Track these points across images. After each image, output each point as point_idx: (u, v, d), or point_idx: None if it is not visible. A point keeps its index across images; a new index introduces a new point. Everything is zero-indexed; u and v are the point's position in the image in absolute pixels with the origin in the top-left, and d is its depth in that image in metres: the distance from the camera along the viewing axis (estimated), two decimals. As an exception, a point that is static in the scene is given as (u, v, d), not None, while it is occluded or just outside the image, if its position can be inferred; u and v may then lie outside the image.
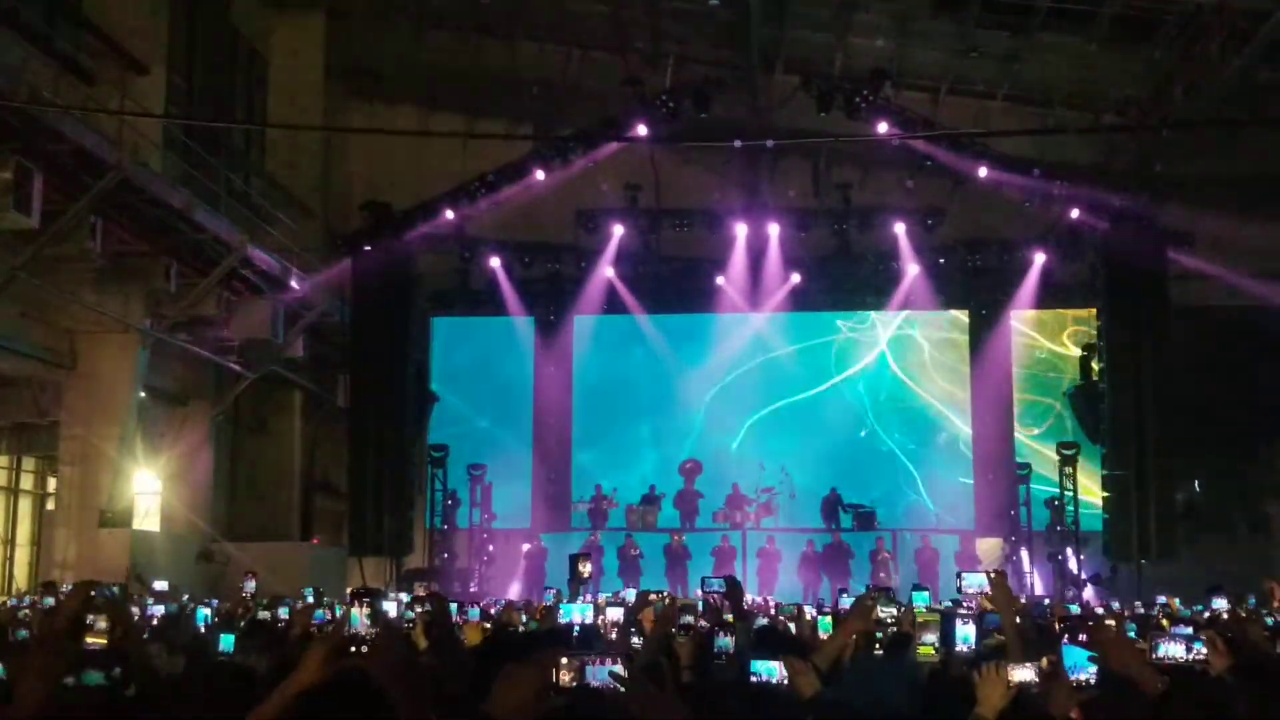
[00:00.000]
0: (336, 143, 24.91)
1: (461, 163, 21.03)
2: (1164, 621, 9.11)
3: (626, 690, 3.27)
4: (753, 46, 21.72)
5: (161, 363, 19.07)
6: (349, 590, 12.58)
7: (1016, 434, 23.29)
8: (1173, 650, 4.84)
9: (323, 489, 24.40)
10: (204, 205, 17.80)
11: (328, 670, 3.33)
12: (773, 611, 12.24)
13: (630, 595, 9.80)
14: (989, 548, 21.70)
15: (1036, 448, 22.87)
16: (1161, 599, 14.06)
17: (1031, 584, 20.56)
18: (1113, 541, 19.53)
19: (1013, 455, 22.85)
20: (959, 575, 7.68)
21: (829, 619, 7.82)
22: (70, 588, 7.41)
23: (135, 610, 9.86)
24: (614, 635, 7.51)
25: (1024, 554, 21.08)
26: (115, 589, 11.50)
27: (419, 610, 7.19)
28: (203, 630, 8.31)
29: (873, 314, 23.69)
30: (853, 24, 21.47)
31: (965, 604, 7.27)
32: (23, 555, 21.86)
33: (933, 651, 6.53)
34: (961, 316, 23.66)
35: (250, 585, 12.16)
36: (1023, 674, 3.98)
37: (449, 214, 20.57)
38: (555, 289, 23.65)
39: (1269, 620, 9.23)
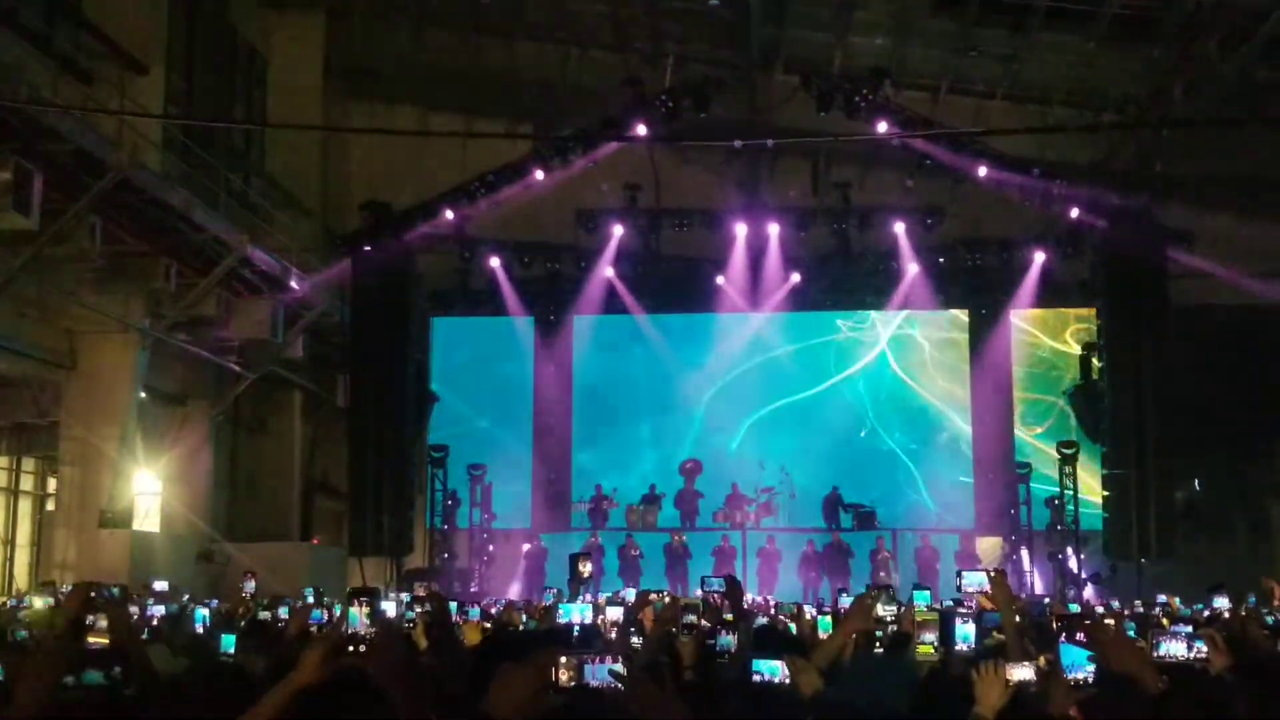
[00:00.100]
0: (336, 143, 24.86)
1: (461, 163, 21.03)
2: (1164, 621, 9.11)
3: (627, 689, 3.26)
4: (752, 46, 21.73)
5: (161, 363, 19.06)
6: (347, 590, 12.58)
7: (1017, 433, 23.30)
8: (1173, 649, 4.84)
9: (323, 489, 24.39)
10: (203, 205, 17.79)
11: (326, 670, 3.33)
12: (772, 611, 12.25)
13: (630, 595, 9.77)
14: (989, 547, 21.73)
15: (1037, 446, 22.88)
16: (1162, 598, 14.06)
17: (1031, 583, 20.59)
18: (1113, 540, 19.53)
19: (1013, 454, 22.87)
20: (959, 574, 7.68)
21: (829, 618, 7.81)
22: (70, 588, 7.41)
23: (135, 610, 9.85)
24: (614, 635, 7.50)
25: (1024, 553, 21.11)
26: (115, 590, 11.48)
27: (419, 610, 7.19)
28: (202, 630, 8.31)
29: (873, 313, 23.70)
30: (852, 23, 21.45)
31: (965, 603, 7.27)
32: (23, 556, 21.84)
33: (932, 650, 6.52)
34: (961, 316, 23.66)
35: (250, 585, 12.12)
36: (1021, 673, 3.99)
37: (449, 214, 20.56)
38: (555, 289, 23.64)
39: (1269, 619, 9.24)
